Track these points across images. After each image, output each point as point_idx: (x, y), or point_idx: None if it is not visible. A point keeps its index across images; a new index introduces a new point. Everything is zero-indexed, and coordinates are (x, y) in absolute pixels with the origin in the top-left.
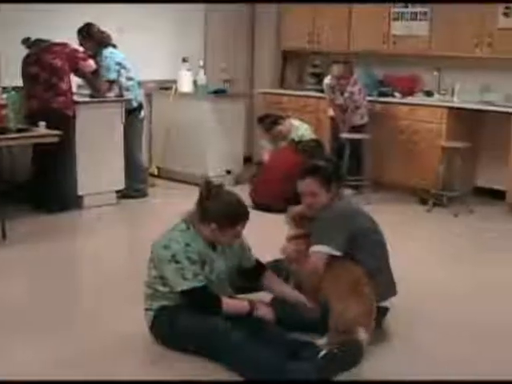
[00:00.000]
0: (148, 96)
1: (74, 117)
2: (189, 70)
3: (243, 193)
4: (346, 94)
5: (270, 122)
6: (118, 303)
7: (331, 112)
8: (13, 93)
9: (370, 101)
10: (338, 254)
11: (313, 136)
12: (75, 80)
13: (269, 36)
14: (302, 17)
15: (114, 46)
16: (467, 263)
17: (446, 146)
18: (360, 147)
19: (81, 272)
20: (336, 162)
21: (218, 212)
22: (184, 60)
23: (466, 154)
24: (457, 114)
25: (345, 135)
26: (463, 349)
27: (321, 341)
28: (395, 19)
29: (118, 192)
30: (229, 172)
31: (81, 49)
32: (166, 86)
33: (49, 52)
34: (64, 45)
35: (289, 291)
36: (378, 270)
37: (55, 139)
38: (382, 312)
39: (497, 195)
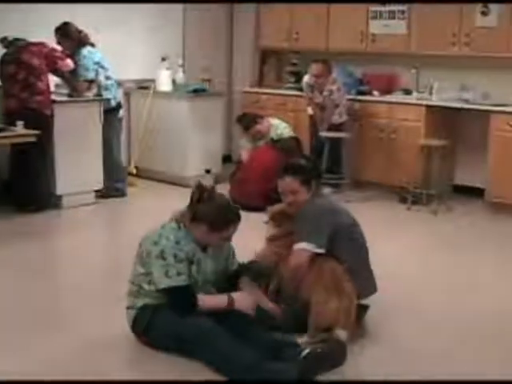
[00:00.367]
0: (127, 95)
1: (52, 116)
2: (168, 68)
3: (222, 192)
4: (325, 93)
5: (248, 121)
6: (98, 303)
7: (310, 110)
8: None
9: (348, 99)
10: (320, 251)
11: (291, 134)
12: (53, 79)
13: (247, 35)
14: (281, 16)
15: (92, 46)
16: (446, 260)
17: (425, 144)
18: (339, 145)
19: (60, 272)
20: (315, 160)
21: (209, 214)
22: (163, 59)
23: (444, 152)
24: (435, 112)
25: (324, 133)
26: (445, 345)
27: (301, 339)
28: (373, 18)
29: (96, 192)
30: (208, 171)
31: (59, 48)
32: (144, 85)
33: (26, 51)
34: (42, 44)
35: (263, 301)
36: (358, 267)
37: (33, 139)
38: (363, 310)
39: (475, 193)
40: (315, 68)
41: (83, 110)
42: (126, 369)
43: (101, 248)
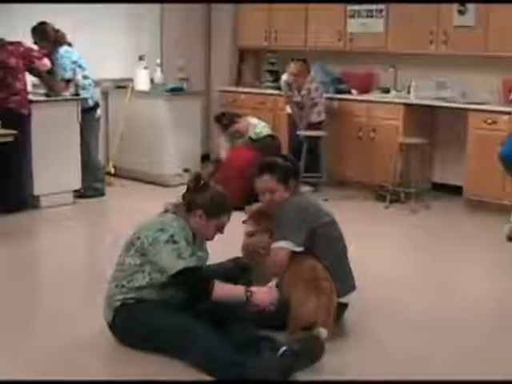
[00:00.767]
0: (104, 94)
1: (29, 116)
2: (145, 68)
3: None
4: (304, 92)
5: (227, 120)
6: (77, 302)
7: (288, 109)
8: None
9: (327, 98)
10: (299, 249)
11: (270, 133)
12: (30, 79)
13: (225, 34)
14: (259, 15)
15: (70, 45)
16: (425, 258)
17: (403, 143)
18: (317, 144)
19: (38, 272)
20: (292, 159)
21: (206, 200)
22: (140, 58)
23: (422, 150)
24: (413, 110)
25: (302, 132)
26: (424, 344)
27: (281, 337)
28: (351, 16)
29: (74, 192)
30: (186, 170)
31: (36, 47)
32: (122, 85)
33: (3, 51)
34: (18, 43)
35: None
36: (337, 265)
37: (10, 139)
38: (341, 308)
39: (454, 191)
40: (293, 67)
41: (61, 110)
42: (107, 369)
43: (79, 248)
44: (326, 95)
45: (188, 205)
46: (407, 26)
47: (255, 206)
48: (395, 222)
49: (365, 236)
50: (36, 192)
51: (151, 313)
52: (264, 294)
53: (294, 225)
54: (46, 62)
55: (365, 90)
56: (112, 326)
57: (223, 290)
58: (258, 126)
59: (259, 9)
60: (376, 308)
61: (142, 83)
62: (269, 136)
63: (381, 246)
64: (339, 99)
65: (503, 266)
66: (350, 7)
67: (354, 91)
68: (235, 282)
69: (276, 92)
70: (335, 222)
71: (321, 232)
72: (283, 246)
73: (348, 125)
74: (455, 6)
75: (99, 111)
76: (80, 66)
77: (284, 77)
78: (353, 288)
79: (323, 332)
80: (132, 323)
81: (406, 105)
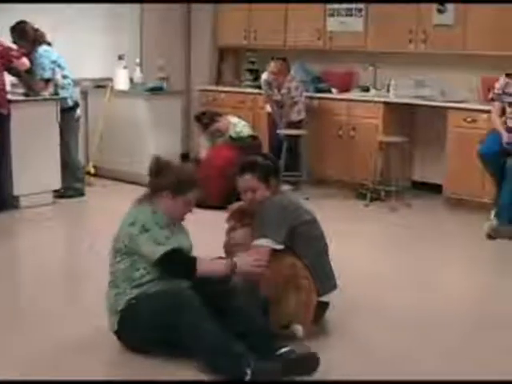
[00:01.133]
0: (84, 94)
1: (8, 116)
2: (125, 67)
3: None
4: (284, 90)
5: (207, 120)
6: (59, 302)
7: (268, 108)
8: None
9: (307, 97)
10: (279, 247)
11: (251, 132)
12: (9, 78)
13: (205, 33)
14: (238, 14)
15: (49, 44)
16: (405, 256)
17: (383, 141)
18: (297, 143)
19: (18, 273)
20: (273, 158)
21: (170, 179)
22: (120, 57)
23: (402, 148)
24: (393, 109)
25: (282, 131)
26: (406, 343)
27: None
28: (331, 15)
29: (54, 192)
30: None
31: (14, 47)
32: (101, 84)
33: None
34: None
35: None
36: (318, 264)
37: None
38: (322, 307)
39: (434, 189)
40: (273, 66)
41: (40, 110)
42: (96, 370)
43: (59, 248)
44: (305, 94)
45: (154, 189)
46: (387, 24)
47: (236, 205)
48: (375, 220)
49: (345, 234)
50: (16, 192)
51: (156, 309)
52: (249, 260)
53: (274, 223)
54: (25, 61)
55: (345, 88)
56: (118, 331)
57: (207, 266)
58: (239, 125)
59: (239, 8)
60: (357, 306)
61: (122, 83)
62: (250, 136)
63: (361, 244)
64: (319, 98)
65: (483, 264)
66: (330, 6)
67: (333, 90)
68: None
69: (256, 91)
70: (316, 220)
71: (301, 230)
72: (263, 244)
73: (328, 123)
74: (434, 5)
75: (79, 111)
76: (59, 66)
77: (264, 76)
78: (334, 287)
79: (299, 329)
80: (138, 323)
81: (386, 103)
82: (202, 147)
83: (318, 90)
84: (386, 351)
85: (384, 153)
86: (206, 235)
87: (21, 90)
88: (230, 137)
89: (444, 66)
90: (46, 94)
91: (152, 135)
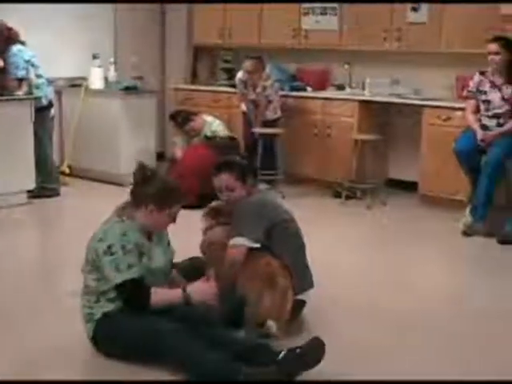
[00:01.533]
0: (58, 93)
1: None
2: (99, 66)
3: None
4: (259, 89)
5: (182, 119)
6: (35, 304)
7: (244, 107)
8: None
9: (282, 95)
10: (256, 246)
11: (226, 131)
12: None
13: (180, 32)
14: (213, 12)
15: (23, 43)
16: (381, 254)
17: (358, 139)
18: (273, 142)
19: None
20: (249, 157)
21: (156, 191)
22: (94, 56)
23: (378, 146)
24: (368, 107)
25: (258, 130)
26: (383, 341)
27: (239, 334)
28: (305, 14)
29: (29, 192)
30: None
31: None
32: (76, 84)
33: None
34: None
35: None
36: (295, 262)
37: None
38: (299, 305)
39: (409, 187)
40: (248, 64)
41: (14, 109)
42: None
43: (34, 249)
44: (281, 93)
45: (137, 199)
46: (361, 23)
47: (213, 204)
48: (351, 218)
49: (321, 233)
50: None
51: (135, 321)
52: (202, 289)
53: (251, 222)
54: None
55: (320, 87)
56: (94, 339)
57: (161, 298)
58: (213, 124)
59: (214, 7)
60: (334, 304)
61: (96, 82)
62: (227, 137)
63: (337, 242)
64: (294, 96)
65: (458, 261)
66: (305, 5)
67: (308, 88)
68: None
69: (231, 90)
70: (293, 219)
71: (279, 229)
72: (240, 243)
73: (303, 122)
74: (409, 4)
75: (53, 110)
76: (33, 65)
77: (239, 75)
78: (311, 285)
79: (272, 325)
80: (115, 334)
81: (361, 102)
82: (178, 146)
83: (293, 89)
84: (366, 349)
85: (359, 151)
86: (182, 235)
87: None
88: (205, 136)
89: (419, 64)
90: (20, 93)
91: (127, 134)
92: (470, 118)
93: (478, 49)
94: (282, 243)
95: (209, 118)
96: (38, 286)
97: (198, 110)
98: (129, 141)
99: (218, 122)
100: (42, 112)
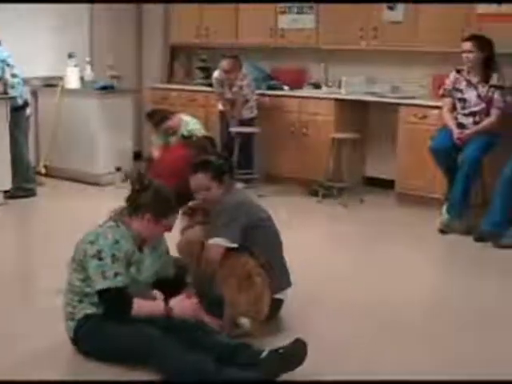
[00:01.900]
0: (34, 93)
1: None
2: (75, 65)
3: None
4: (235, 88)
5: (159, 118)
6: (12, 304)
7: (220, 106)
8: None
9: (259, 94)
10: (233, 246)
11: (203, 131)
12: None
13: (156, 31)
14: (190, 11)
15: None
16: (358, 252)
17: (335, 138)
18: (250, 141)
19: None
20: (226, 156)
21: (154, 201)
22: (70, 56)
23: (354, 144)
24: (345, 105)
25: (234, 129)
26: (362, 337)
27: (219, 335)
28: (282, 13)
29: (5, 192)
30: (118, 169)
31: None
32: (52, 83)
33: None
34: None
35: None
36: (273, 261)
37: None
38: (277, 304)
39: (386, 185)
40: (225, 63)
41: None
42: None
43: (11, 250)
44: (257, 91)
45: (133, 208)
46: (338, 21)
47: (191, 204)
48: (328, 216)
49: (298, 231)
50: None
51: (119, 323)
52: (184, 305)
53: (228, 221)
54: None
55: (296, 85)
56: (74, 339)
57: (141, 309)
58: (190, 124)
59: (190, 6)
60: (312, 304)
61: (72, 81)
62: (205, 137)
63: (314, 241)
64: (271, 95)
65: (435, 259)
66: (281, 4)
67: (285, 87)
68: (171, 283)
69: (208, 89)
70: (271, 218)
71: (256, 228)
72: (217, 243)
73: (280, 121)
74: (385, 2)
75: (29, 110)
76: (8, 65)
77: (215, 74)
78: (289, 284)
79: (245, 322)
80: (96, 334)
81: (338, 100)
82: (155, 146)
83: (270, 88)
84: (342, 347)
85: (336, 149)
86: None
87: None
88: (182, 135)
89: (395, 62)
90: None
91: (103, 134)
92: (447, 117)
93: (453, 47)
94: (259, 242)
95: (186, 118)
96: (15, 286)
97: (175, 109)
98: (105, 140)
99: (194, 121)
100: (17, 112)
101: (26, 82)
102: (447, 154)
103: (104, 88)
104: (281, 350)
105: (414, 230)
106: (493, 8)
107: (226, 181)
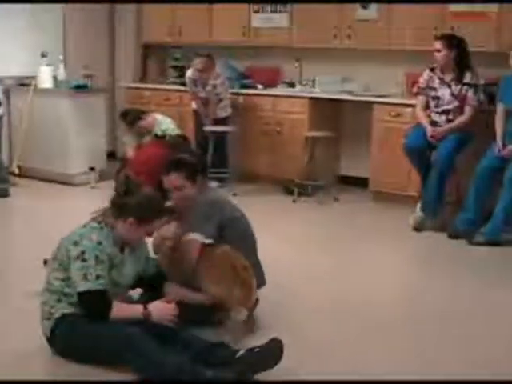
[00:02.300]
0: (6, 93)
1: None
2: (48, 65)
3: (108, 189)
4: (209, 87)
5: (132, 117)
6: None
7: (194, 105)
8: None
9: (232, 93)
10: (209, 241)
11: (176, 130)
12: None
13: (129, 30)
14: (163, 10)
15: None
16: (333, 250)
17: (309, 136)
18: (224, 139)
19: None
20: (199, 155)
21: (138, 205)
22: (43, 55)
23: (329, 143)
24: (319, 104)
25: (208, 128)
26: (344, 334)
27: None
28: (256, 11)
29: None
30: (92, 169)
31: None
32: (25, 83)
33: None
34: None
35: (190, 295)
36: (248, 260)
37: None
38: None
39: (360, 183)
40: (198, 62)
41: None
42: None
43: None
44: (231, 90)
45: (118, 210)
46: (311, 20)
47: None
48: (303, 215)
49: (273, 230)
50: None
51: (94, 325)
52: (161, 311)
53: (203, 219)
54: None
55: (270, 84)
56: (51, 338)
57: (121, 312)
58: (164, 123)
59: (163, 5)
60: (286, 302)
61: (45, 81)
62: (179, 136)
63: (289, 239)
64: (245, 94)
65: (411, 256)
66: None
67: (259, 86)
68: (151, 283)
69: (181, 88)
70: (244, 216)
71: (230, 227)
72: (194, 238)
73: (254, 119)
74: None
75: (1, 110)
76: None
77: (188, 73)
78: (263, 282)
79: (241, 314)
80: (74, 334)
81: (312, 99)
82: (128, 145)
83: (244, 87)
84: (319, 344)
85: (311, 148)
86: None
87: None
88: (156, 135)
89: (369, 61)
90: None
91: (77, 134)
92: (420, 115)
93: (427, 46)
94: (233, 240)
95: (159, 117)
96: None
97: (149, 108)
98: (79, 140)
99: (168, 120)
100: None
101: None
102: (421, 151)
103: (77, 87)
104: (257, 349)
105: (389, 227)
106: (466, 6)
107: (199, 180)
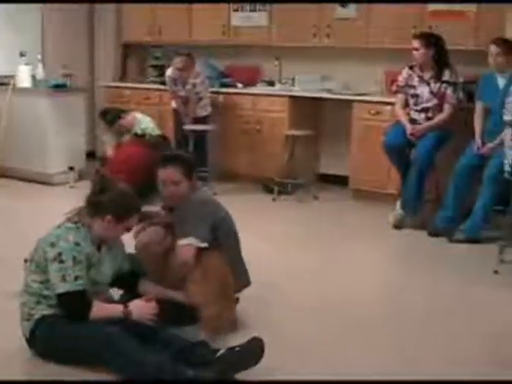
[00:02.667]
0: None
1: None
2: (27, 64)
3: (87, 189)
4: (188, 86)
5: (112, 116)
6: None
7: (174, 104)
8: None
9: (212, 92)
10: (204, 245)
11: (156, 129)
12: None
13: (109, 29)
14: (142, 9)
15: None
16: (313, 248)
17: (289, 135)
18: (204, 138)
19: None
20: (191, 155)
21: (115, 202)
22: (22, 54)
23: (308, 141)
24: (298, 102)
25: (188, 127)
26: (324, 332)
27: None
28: (235, 10)
29: None
30: (71, 168)
31: None
32: (3, 82)
33: None
34: None
35: (166, 292)
36: (235, 259)
37: None
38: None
39: (340, 181)
40: (178, 61)
41: None
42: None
43: None
44: (211, 89)
45: (93, 209)
46: (291, 18)
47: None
48: (283, 213)
49: (253, 228)
50: None
51: (74, 325)
52: (141, 309)
53: (197, 220)
54: None
55: (250, 83)
56: (30, 340)
57: (101, 313)
58: (143, 122)
59: (143, 4)
60: (267, 302)
61: (24, 80)
62: (159, 136)
63: (269, 238)
64: (224, 93)
65: (392, 254)
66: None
67: (239, 85)
68: (127, 279)
69: (161, 87)
70: (230, 216)
71: (221, 227)
72: (189, 243)
73: (234, 118)
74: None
75: None
76: None
77: (168, 72)
78: (248, 282)
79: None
80: (54, 335)
81: (291, 97)
82: (108, 144)
83: (223, 85)
84: (301, 342)
85: (290, 146)
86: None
87: None
88: (135, 134)
89: (348, 59)
90: None
91: (56, 133)
92: (399, 113)
93: (406, 44)
94: (225, 241)
95: (139, 116)
96: None
97: (129, 107)
98: (58, 140)
99: (148, 119)
100: None
101: None
102: (400, 149)
103: (56, 86)
104: (237, 349)
105: (369, 225)
106: (444, 6)
107: (194, 179)
